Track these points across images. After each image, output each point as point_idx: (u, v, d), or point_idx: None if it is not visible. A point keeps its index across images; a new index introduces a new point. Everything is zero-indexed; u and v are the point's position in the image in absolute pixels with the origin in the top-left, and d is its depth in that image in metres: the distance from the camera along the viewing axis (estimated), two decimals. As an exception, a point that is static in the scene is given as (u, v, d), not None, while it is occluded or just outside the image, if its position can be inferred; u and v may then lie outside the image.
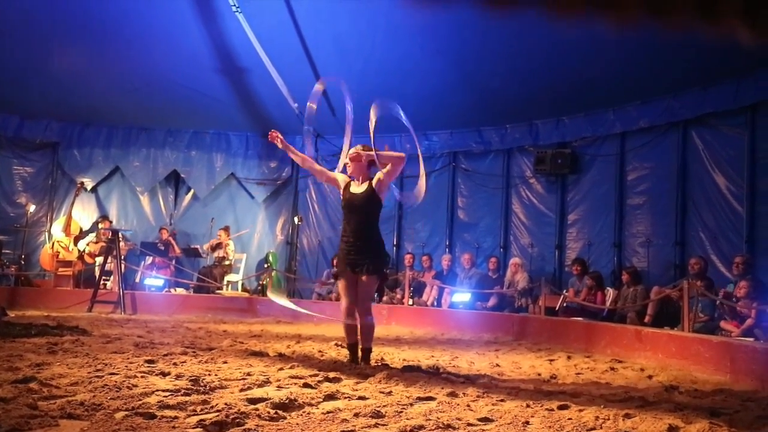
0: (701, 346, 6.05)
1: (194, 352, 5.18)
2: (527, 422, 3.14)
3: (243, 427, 2.72)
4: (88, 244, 12.43)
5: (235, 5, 8.99)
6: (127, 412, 2.86)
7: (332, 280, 11.94)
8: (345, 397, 3.56)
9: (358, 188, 5.11)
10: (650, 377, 5.36)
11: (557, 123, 11.26)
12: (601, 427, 3.09)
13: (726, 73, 8.80)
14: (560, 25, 8.40)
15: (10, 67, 10.87)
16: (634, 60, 8.98)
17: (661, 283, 8.97)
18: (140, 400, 3.11)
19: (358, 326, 5.06)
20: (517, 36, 8.95)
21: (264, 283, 12.50)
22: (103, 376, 3.73)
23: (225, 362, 4.70)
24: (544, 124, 11.43)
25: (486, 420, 3.15)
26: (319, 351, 5.93)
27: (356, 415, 3.08)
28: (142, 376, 3.83)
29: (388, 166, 4.98)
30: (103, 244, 11.78)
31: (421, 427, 2.90)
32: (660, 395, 4.26)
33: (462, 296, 10.70)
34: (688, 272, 8.34)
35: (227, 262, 12.55)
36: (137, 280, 12.27)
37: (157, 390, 3.40)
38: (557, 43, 8.83)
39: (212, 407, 3.05)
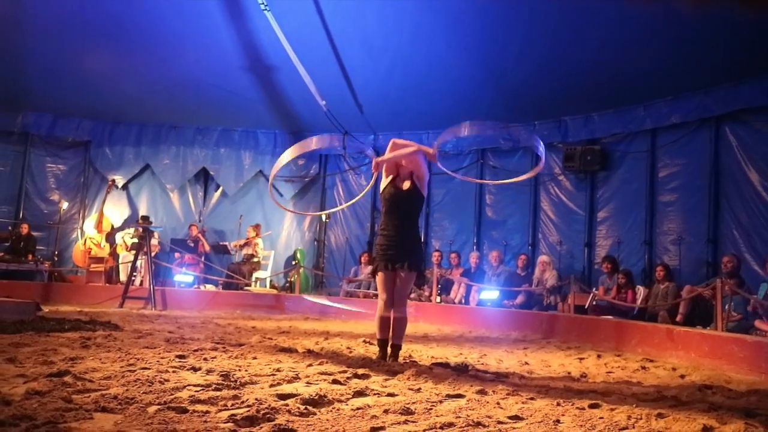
0: (735, 345, 5.96)
1: (224, 347, 5.22)
2: (558, 421, 3.11)
3: (273, 423, 2.73)
4: (124, 237, 12.59)
5: (263, 4, 9.05)
6: (159, 406, 2.90)
7: (359, 278, 11.96)
8: (374, 394, 3.57)
9: (403, 184, 5.13)
10: (683, 377, 5.29)
11: (586, 119, 11.12)
12: (634, 427, 3.05)
13: (760, 68, 8.60)
14: (588, 20, 8.27)
15: (44, 67, 11.08)
16: (664, 55, 8.83)
17: (693, 281, 8.83)
18: (172, 394, 3.15)
19: (391, 321, 5.06)
20: (544, 32, 8.86)
21: (292, 279, 12.57)
22: (135, 371, 3.78)
23: (255, 358, 4.73)
24: (573, 120, 11.29)
25: (516, 418, 3.13)
26: (348, 348, 5.95)
27: (386, 411, 3.07)
28: (173, 371, 3.88)
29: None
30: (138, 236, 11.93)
31: (451, 424, 2.89)
32: (693, 395, 4.20)
33: (490, 294, 10.65)
34: (721, 270, 8.19)
35: (256, 260, 12.64)
36: (168, 276, 12.41)
37: (189, 385, 3.44)
38: (585, 38, 8.72)
39: (243, 402, 3.08)
